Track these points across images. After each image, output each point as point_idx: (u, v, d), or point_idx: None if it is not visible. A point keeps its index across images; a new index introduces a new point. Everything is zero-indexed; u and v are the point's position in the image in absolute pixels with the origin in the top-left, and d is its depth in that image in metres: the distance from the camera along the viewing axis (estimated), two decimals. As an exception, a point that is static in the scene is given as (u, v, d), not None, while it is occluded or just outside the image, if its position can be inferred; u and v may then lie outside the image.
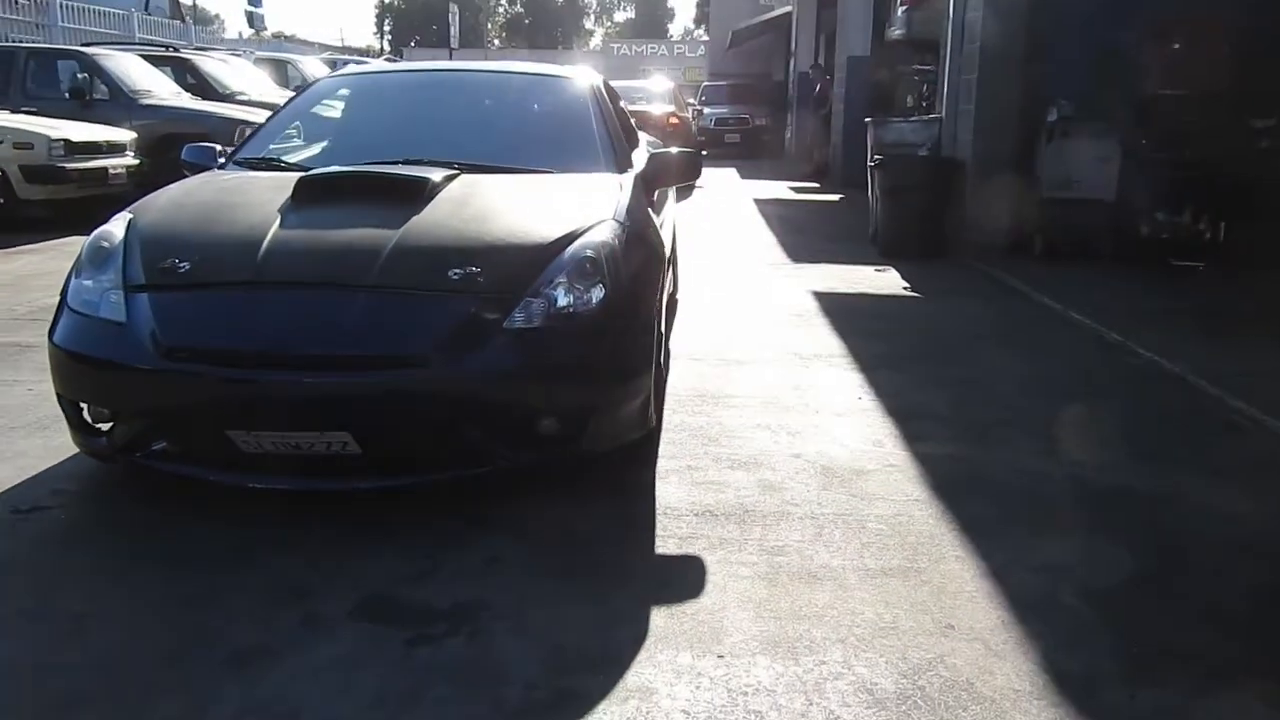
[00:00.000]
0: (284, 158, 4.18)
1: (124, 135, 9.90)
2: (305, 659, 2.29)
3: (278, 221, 3.25)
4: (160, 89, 11.46)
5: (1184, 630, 2.48)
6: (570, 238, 3.21)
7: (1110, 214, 7.93)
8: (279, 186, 3.60)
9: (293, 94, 4.72)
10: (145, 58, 12.29)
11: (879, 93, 14.12)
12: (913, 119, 9.03)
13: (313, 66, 17.56)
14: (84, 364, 3.08)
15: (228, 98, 12.57)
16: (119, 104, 10.74)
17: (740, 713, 2.11)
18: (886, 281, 7.29)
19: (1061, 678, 2.23)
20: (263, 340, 2.95)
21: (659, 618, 2.48)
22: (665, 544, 2.91)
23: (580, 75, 4.83)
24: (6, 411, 3.94)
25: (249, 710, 2.11)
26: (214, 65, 13.61)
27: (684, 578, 2.70)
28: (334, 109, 4.64)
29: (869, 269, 7.73)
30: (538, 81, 4.87)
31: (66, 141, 9.04)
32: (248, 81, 13.72)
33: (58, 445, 3.55)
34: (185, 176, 4.10)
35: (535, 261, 3.12)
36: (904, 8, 13.99)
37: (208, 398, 2.92)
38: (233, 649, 2.33)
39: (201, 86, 12.65)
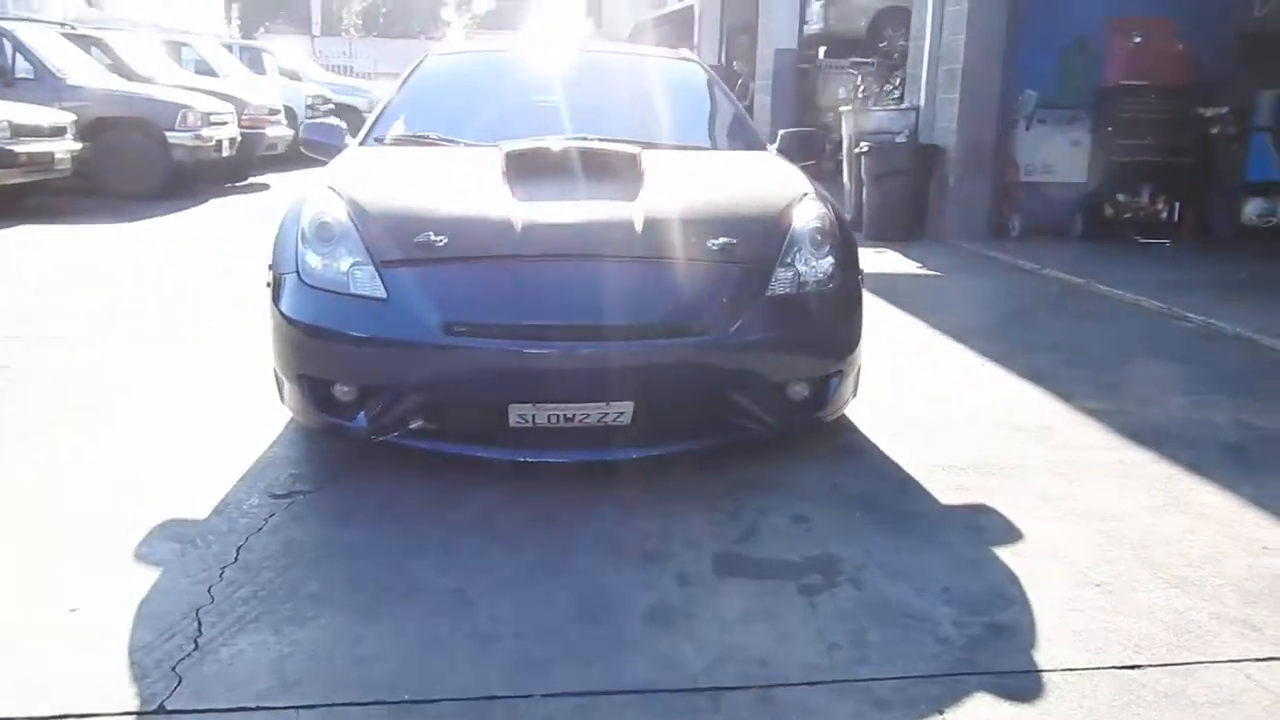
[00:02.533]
0: (439, 135, 4.05)
1: (64, 117, 9.26)
2: (717, 612, 2.33)
3: (509, 194, 3.22)
4: (85, 69, 10.74)
5: None
6: (790, 211, 3.31)
7: (1080, 196, 8.52)
8: (475, 160, 3.56)
9: (407, 73, 4.57)
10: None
11: (800, 84, 14.57)
12: (890, 107, 9.40)
13: (208, 49, 16.70)
14: (339, 342, 2.97)
15: (146, 80, 11.89)
16: (44, 84, 9.98)
17: (1164, 630, 2.28)
18: (894, 261, 7.60)
19: (1403, 586, 2.50)
20: (543, 312, 2.92)
21: (1008, 557, 2.62)
22: (944, 496, 3.04)
23: (693, 59, 4.89)
24: (163, 398, 3.74)
25: (721, 660, 2.13)
26: (124, 45, 12.82)
27: (991, 524, 2.84)
28: (457, 88, 4.54)
29: (867, 250, 8.01)
30: (658, 63, 4.88)
31: (10, 124, 8.39)
32: (156, 64, 12.99)
33: (257, 430, 3.42)
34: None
35: (773, 232, 3.21)
36: (819, 2, 14.51)
37: (496, 372, 2.87)
38: (637, 608, 2.34)
39: (117, 68, 11.91)
